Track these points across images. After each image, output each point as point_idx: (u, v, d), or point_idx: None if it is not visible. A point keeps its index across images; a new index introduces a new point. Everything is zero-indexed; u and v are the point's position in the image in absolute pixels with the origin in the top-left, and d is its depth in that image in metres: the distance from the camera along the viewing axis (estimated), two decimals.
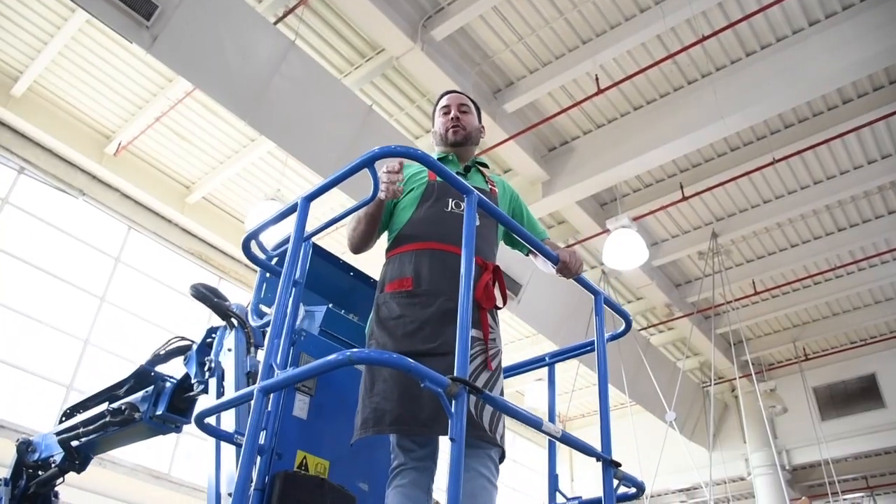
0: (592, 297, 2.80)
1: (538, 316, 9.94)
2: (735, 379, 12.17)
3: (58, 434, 4.00)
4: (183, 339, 3.64)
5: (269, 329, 2.26)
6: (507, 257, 2.90)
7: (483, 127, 2.99)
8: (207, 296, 3.39)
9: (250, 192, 9.87)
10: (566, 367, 10.26)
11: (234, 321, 3.23)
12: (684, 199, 9.42)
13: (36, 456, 4.09)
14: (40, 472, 4.10)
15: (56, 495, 4.25)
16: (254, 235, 2.67)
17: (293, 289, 2.44)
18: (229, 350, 3.16)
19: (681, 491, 15.01)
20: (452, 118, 2.83)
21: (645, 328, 12.55)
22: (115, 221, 9.50)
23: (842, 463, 13.41)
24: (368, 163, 2.20)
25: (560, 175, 8.94)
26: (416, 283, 2.42)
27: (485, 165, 2.93)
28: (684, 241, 10.66)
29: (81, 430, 3.88)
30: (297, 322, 2.77)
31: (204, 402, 3.30)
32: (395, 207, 2.65)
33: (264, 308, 3.08)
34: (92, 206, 9.25)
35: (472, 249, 2.11)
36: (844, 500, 13.80)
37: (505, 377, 2.64)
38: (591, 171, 8.70)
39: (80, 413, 4.06)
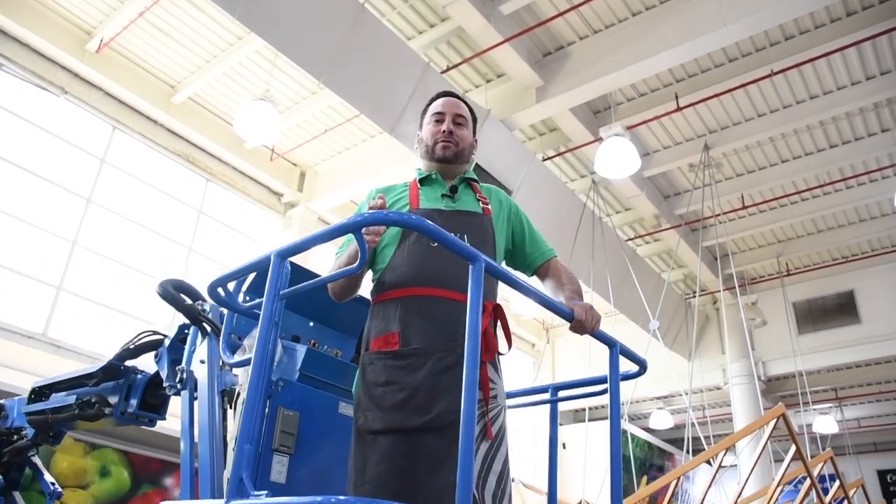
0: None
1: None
2: (718, 292, 12.38)
3: (27, 414, 3.75)
4: (154, 333, 3.24)
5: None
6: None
7: (476, 141, 2.60)
8: (175, 297, 3.00)
9: (238, 92, 9.65)
10: None
11: (207, 327, 2.87)
12: (678, 109, 9.32)
13: (8, 423, 3.88)
14: (14, 438, 3.88)
15: (32, 462, 4.04)
16: (220, 283, 2.28)
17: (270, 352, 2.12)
18: (202, 362, 2.82)
19: (659, 398, 15.54)
20: (445, 131, 2.43)
21: (632, 239, 12.66)
22: (100, 121, 9.29)
23: (814, 375, 13.90)
24: (354, 229, 1.83)
25: (554, 81, 8.78)
26: (403, 341, 2.10)
27: (474, 180, 2.53)
28: (676, 153, 10.62)
29: (50, 416, 3.61)
30: (275, 361, 2.46)
31: (178, 401, 3.01)
32: (377, 245, 2.32)
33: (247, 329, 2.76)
34: (75, 105, 9.02)
35: (477, 343, 1.71)
36: (814, 409, 14.36)
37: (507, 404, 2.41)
38: (585, 77, 8.54)
39: (48, 393, 3.75)
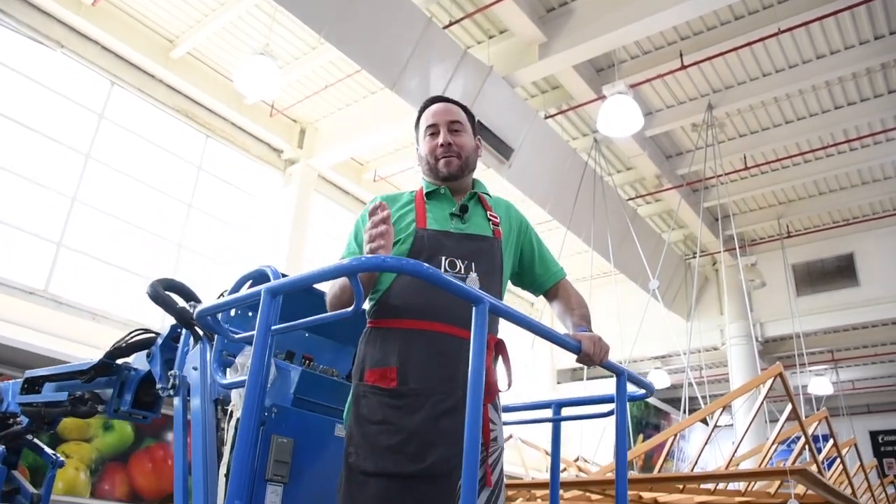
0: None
1: (529, 181, 9.90)
2: (718, 253, 12.40)
3: (20, 405, 3.70)
4: (146, 331, 3.10)
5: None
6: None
7: (480, 141, 2.40)
8: (166, 300, 2.84)
9: (237, 47, 9.51)
10: (553, 233, 10.38)
11: (200, 332, 2.74)
12: (683, 67, 9.21)
13: (3, 406, 3.81)
14: (10, 422, 3.81)
15: (31, 443, 3.99)
16: (210, 312, 2.19)
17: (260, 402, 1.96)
18: (194, 369, 2.71)
19: (657, 358, 15.67)
20: (443, 144, 2.23)
21: (633, 199, 12.63)
22: (98, 76, 9.18)
23: (811, 337, 13.99)
24: (350, 273, 1.68)
25: (557, 38, 8.65)
26: (401, 379, 1.96)
27: (486, 193, 2.36)
28: (679, 112, 10.52)
29: (43, 410, 3.54)
30: (268, 383, 2.37)
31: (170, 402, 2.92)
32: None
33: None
34: (72, 60, 8.90)
35: (480, 393, 1.60)
36: (810, 371, 14.48)
37: (505, 424, 2.34)
38: (589, 34, 8.42)
39: (42, 383, 3.68)
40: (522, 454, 9.43)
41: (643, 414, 15.93)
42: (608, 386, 2.28)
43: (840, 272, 13.58)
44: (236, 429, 2.24)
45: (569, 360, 15.76)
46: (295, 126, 11.03)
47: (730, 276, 12.54)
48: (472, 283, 2.02)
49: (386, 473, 1.86)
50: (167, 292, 2.94)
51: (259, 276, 2.37)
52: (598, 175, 10.68)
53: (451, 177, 2.23)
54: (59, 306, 8.20)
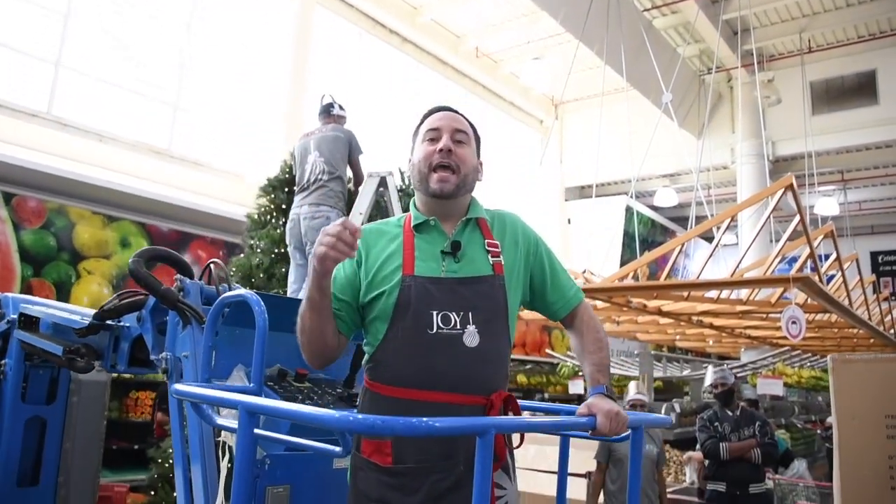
0: None
1: None
2: (735, 68, 12.03)
3: (20, 339, 3.59)
4: (135, 293, 2.86)
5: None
6: None
7: (482, 164, 2.06)
8: (148, 279, 2.59)
9: None
10: (564, 47, 10.03)
11: (189, 314, 2.52)
12: None
13: (3, 323, 3.69)
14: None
15: None
16: (188, 398, 2.01)
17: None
18: (185, 357, 2.52)
19: (665, 176, 15.69)
20: (442, 149, 1.91)
21: (649, 10, 12.07)
22: None
23: (822, 157, 13.88)
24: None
25: None
26: (396, 455, 1.78)
27: (483, 214, 2.02)
28: None
29: (37, 359, 3.45)
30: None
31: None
32: (364, 311, 1.90)
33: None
34: None
35: None
36: (818, 191, 14.52)
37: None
38: None
39: (38, 322, 3.55)
40: None
41: (650, 232, 16.19)
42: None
43: (859, 90, 13.24)
44: (229, 470, 2.13)
45: (576, 177, 15.85)
46: None
47: (745, 92, 12.23)
48: (470, 337, 1.80)
49: None
50: (156, 262, 2.74)
51: (238, 303, 2.18)
52: None
53: (442, 196, 1.90)
54: (64, 128, 8.14)
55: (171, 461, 2.81)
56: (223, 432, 2.27)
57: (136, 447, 6.59)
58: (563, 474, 2.17)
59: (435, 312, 1.80)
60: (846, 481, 2.16)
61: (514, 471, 1.94)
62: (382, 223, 2.01)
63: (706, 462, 5.35)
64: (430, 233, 1.92)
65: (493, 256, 1.91)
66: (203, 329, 2.36)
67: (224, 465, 2.18)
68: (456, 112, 2.01)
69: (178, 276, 2.66)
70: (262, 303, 2.11)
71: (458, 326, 1.80)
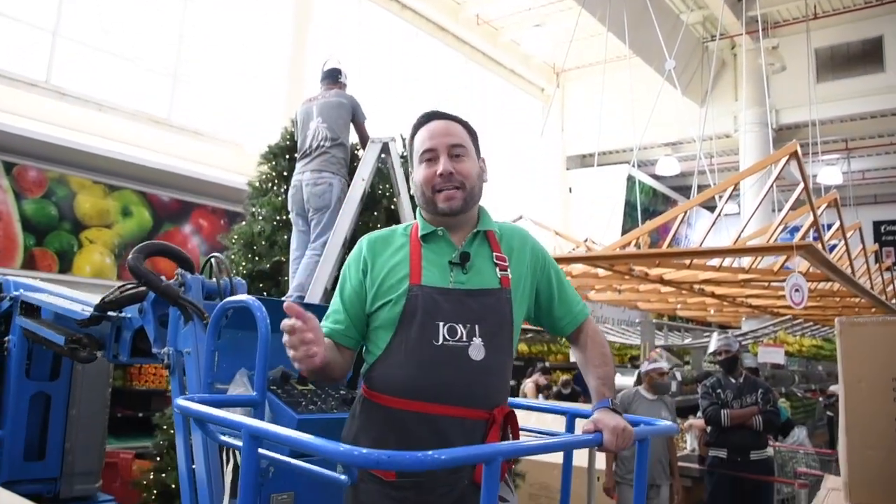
0: None
1: None
2: (739, 35, 11.88)
3: (21, 325, 3.61)
4: (137, 285, 2.81)
5: None
6: None
7: (484, 162, 1.99)
8: (148, 275, 2.56)
9: None
10: (566, 14, 9.91)
11: (190, 310, 2.49)
12: None
13: (5, 304, 3.73)
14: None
15: None
16: (192, 414, 1.94)
17: None
18: (188, 353, 2.50)
19: (667, 144, 15.61)
20: (442, 174, 1.84)
21: None
22: None
23: (826, 125, 13.78)
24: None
25: None
26: (400, 471, 1.74)
27: (493, 227, 1.98)
28: None
29: (43, 341, 3.41)
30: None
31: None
32: (369, 319, 1.86)
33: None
34: None
35: None
36: (822, 160, 14.44)
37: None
38: None
39: (39, 309, 3.56)
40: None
41: (650, 201, 16.16)
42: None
43: (865, 57, 13.10)
44: (234, 473, 2.10)
45: (577, 146, 15.76)
46: None
47: (749, 59, 12.12)
48: (476, 350, 1.77)
49: None
50: (156, 256, 2.70)
51: (240, 308, 2.17)
52: None
53: (452, 214, 1.86)
54: (63, 97, 8.08)
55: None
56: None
57: (140, 415, 6.63)
58: (566, 488, 2.16)
59: (441, 323, 1.77)
60: (852, 443, 2.17)
61: (513, 481, 1.94)
62: (388, 232, 1.96)
63: (708, 429, 5.38)
64: (437, 243, 1.88)
65: (500, 270, 1.88)
66: (205, 325, 2.35)
67: (229, 470, 2.17)
68: (447, 118, 1.93)
69: (179, 270, 2.62)
70: (264, 308, 2.08)
71: (465, 339, 1.77)
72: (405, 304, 1.78)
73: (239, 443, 1.67)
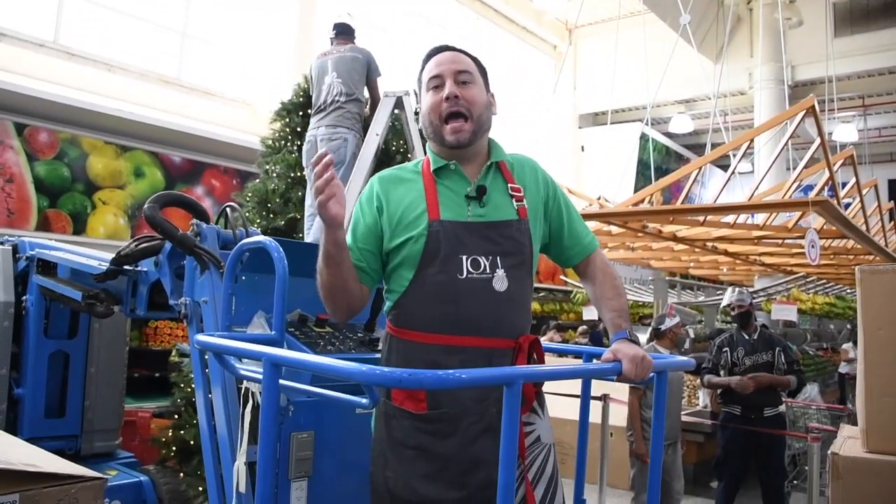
0: None
1: None
2: None
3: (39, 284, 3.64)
4: (152, 238, 2.80)
5: None
6: None
7: (493, 96, 1.97)
8: (164, 225, 2.54)
9: None
10: None
11: (206, 259, 2.47)
12: None
13: (21, 265, 3.73)
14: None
15: None
16: (210, 348, 2.00)
17: None
18: (204, 302, 2.47)
19: (681, 102, 15.42)
20: (448, 97, 1.83)
21: None
22: None
23: (843, 82, 13.54)
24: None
25: None
26: (431, 402, 1.78)
27: (505, 157, 1.97)
28: None
29: (61, 299, 3.42)
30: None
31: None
32: (388, 258, 1.86)
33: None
34: None
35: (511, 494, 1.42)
36: (838, 118, 14.25)
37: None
38: None
39: (55, 266, 3.56)
40: None
41: (663, 159, 16.02)
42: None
43: (885, 9, 12.82)
44: (253, 416, 2.09)
45: (590, 104, 15.59)
46: None
47: (765, 14, 11.87)
48: (500, 281, 1.79)
49: (428, 501, 1.75)
50: (171, 206, 2.65)
51: (256, 249, 2.17)
52: None
53: (459, 147, 1.85)
54: (72, 58, 8.04)
55: (193, 385, 2.81)
56: (244, 389, 2.24)
57: (156, 375, 6.71)
58: (584, 418, 2.22)
59: (464, 257, 1.78)
60: (870, 391, 2.17)
61: (543, 406, 1.94)
62: (398, 169, 1.96)
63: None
64: (451, 177, 1.87)
65: (517, 201, 1.88)
66: (221, 274, 2.33)
67: (248, 412, 2.16)
68: (455, 50, 1.92)
69: (195, 220, 2.59)
70: (281, 249, 2.07)
71: (488, 271, 1.78)
72: (427, 239, 1.78)
73: (259, 376, 1.68)
